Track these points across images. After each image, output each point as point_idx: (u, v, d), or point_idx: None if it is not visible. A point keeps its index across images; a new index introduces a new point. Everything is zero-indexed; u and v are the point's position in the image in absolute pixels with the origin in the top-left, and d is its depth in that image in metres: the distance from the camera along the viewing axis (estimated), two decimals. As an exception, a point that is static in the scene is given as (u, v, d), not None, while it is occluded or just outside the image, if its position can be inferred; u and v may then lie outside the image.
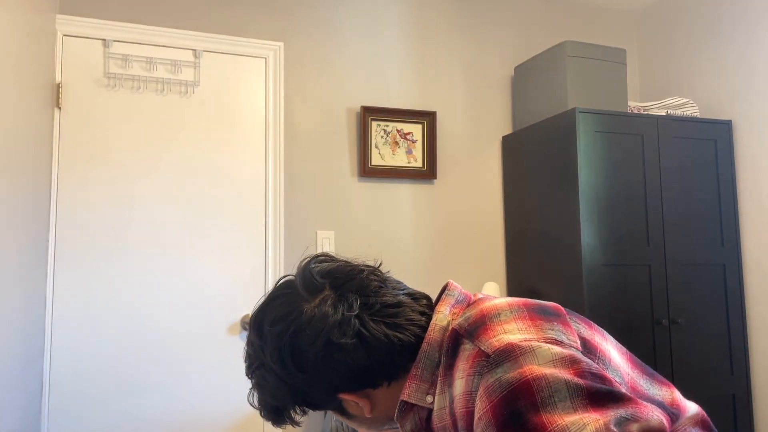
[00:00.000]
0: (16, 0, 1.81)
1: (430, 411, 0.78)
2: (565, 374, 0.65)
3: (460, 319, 0.77)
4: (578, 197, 2.58)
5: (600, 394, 0.64)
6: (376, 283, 0.83)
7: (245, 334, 2.62)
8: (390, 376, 0.81)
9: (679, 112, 2.92)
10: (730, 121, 2.92)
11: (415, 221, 2.93)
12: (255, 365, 0.84)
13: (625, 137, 2.69)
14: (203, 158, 2.62)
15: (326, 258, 0.87)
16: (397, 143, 2.90)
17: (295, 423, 0.86)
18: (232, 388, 2.58)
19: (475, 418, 0.67)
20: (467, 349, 0.73)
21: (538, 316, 0.74)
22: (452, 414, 0.72)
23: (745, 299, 2.85)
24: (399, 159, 2.90)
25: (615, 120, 2.69)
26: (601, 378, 0.67)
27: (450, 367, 0.75)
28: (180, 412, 2.50)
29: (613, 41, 3.47)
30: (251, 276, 2.65)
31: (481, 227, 3.06)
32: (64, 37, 2.48)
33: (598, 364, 0.71)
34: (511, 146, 3.07)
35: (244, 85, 2.72)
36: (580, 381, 0.65)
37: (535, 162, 2.87)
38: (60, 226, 2.40)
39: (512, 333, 0.71)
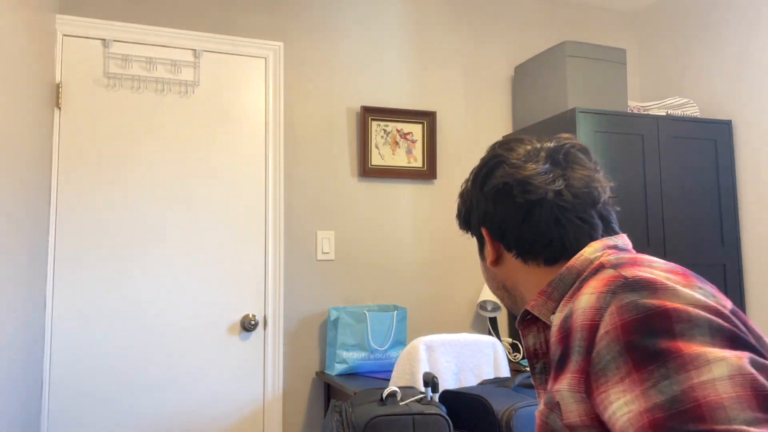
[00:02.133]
0: (17, 0, 1.80)
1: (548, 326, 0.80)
2: (708, 314, 0.62)
3: (611, 257, 0.76)
4: (578, 197, 2.58)
5: (742, 340, 0.61)
6: (589, 189, 0.84)
7: (245, 334, 2.62)
8: (521, 250, 0.85)
9: (679, 112, 2.92)
10: (730, 121, 2.92)
11: (415, 221, 2.93)
12: (466, 180, 0.96)
13: (625, 137, 2.69)
14: (203, 158, 2.62)
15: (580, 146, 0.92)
16: (397, 143, 2.90)
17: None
18: (232, 387, 2.58)
19: (600, 332, 0.64)
20: (605, 272, 0.72)
21: (693, 276, 0.70)
22: (566, 326, 0.70)
23: (745, 299, 2.85)
24: (399, 159, 2.90)
25: (615, 120, 2.69)
26: (746, 331, 0.63)
27: (579, 289, 0.74)
28: (180, 412, 2.50)
29: (613, 41, 3.47)
30: (251, 276, 2.65)
31: (481, 227, 3.06)
32: (64, 37, 2.48)
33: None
34: (511, 146, 3.06)
35: (244, 85, 2.72)
36: (724, 323, 0.61)
37: (535, 162, 2.87)
38: (60, 225, 2.40)
39: (649, 273, 0.68)
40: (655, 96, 3.38)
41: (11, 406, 1.86)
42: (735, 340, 0.61)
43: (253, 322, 2.60)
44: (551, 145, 0.87)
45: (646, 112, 2.88)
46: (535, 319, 0.83)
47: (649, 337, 0.60)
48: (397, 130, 2.91)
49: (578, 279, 0.78)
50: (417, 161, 2.93)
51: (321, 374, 2.64)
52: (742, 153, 2.90)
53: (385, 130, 2.89)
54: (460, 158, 3.05)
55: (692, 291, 0.65)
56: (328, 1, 2.90)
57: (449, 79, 3.08)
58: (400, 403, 1.77)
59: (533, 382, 0.84)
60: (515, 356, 2.87)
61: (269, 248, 2.67)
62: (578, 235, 0.82)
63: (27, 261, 2.04)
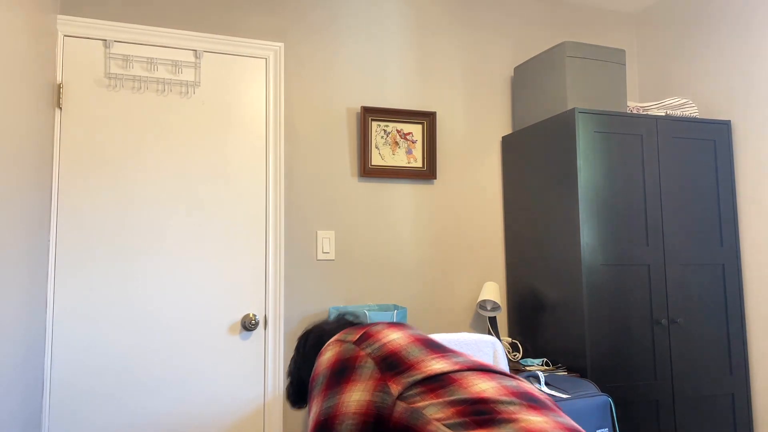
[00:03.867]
0: (17, 0, 1.81)
1: None
2: None
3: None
4: (578, 197, 2.59)
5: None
6: None
7: (246, 333, 2.63)
8: None
9: (678, 113, 2.92)
10: (729, 121, 2.93)
11: (415, 221, 2.94)
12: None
13: (625, 137, 2.70)
14: (203, 158, 2.63)
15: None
16: (397, 143, 2.91)
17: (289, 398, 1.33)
18: (232, 387, 2.58)
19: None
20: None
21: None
22: None
23: (744, 299, 2.86)
24: (399, 159, 2.91)
25: (614, 120, 2.69)
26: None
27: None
28: (180, 412, 2.50)
29: (613, 42, 3.48)
30: (251, 276, 2.65)
31: (481, 227, 3.07)
32: (65, 38, 2.48)
33: None
34: (510, 146, 3.07)
35: (244, 85, 2.72)
36: None
37: (534, 162, 2.88)
38: (61, 226, 2.41)
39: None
40: (654, 96, 3.39)
41: (12, 405, 1.86)
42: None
43: (253, 322, 2.61)
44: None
45: (645, 113, 2.89)
46: None
47: None
48: (397, 130, 2.92)
49: None
50: (417, 161, 2.94)
51: (321, 374, 2.65)
52: (741, 153, 2.90)
53: (385, 131, 2.90)
54: (460, 158, 3.06)
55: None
56: (329, 2, 2.91)
57: (449, 80, 3.09)
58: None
59: None
60: (515, 355, 2.88)
61: (269, 248, 2.68)
62: None
63: (28, 261, 2.04)
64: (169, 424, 2.48)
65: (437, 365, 0.88)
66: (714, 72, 3.04)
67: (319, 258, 2.76)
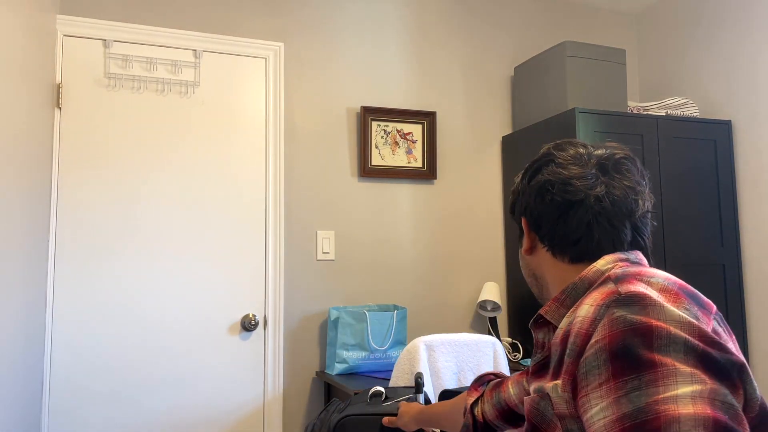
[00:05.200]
0: (17, 0, 1.81)
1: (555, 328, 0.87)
2: (686, 335, 0.68)
3: (618, 270, 0.82)
4: (578, 197, 2.58)
5: (712, 362, 0.66)
6: (628, 200, 0.90)
7: (246, 333, 2.62)
8: (552, 244, 0.92)
9: (678, 113, 2.92)
10: (730, 121, 2.92)
11: (415, 221, 2.94)
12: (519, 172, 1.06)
13: (625, 137, 2.70)
14: (203, 158, 2.62)
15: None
16: (397, 143, 2.91)
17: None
18: (232, 387, 2.58)
19: (591, 341, 0.72)
20: (606, 286, 0.78)
21: (684, 295, 0.75)
22: (567, 331, 0.78)
23: (744, 299, 2.85)
24: (399, 159, 2.91)
25: (614, 120, 2.69)
26: (720, 348, 0.68)
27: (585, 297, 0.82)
28: (180, 412, 2.50)
29: (613, 41, 3.48)
30: (251, 276, 2.65)
31: (481, 227, 3.06)
32: (65, 37, 2.48)
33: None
34: (510, 146, 3.07)
35: (244, 85, 2.72)
36: (699, 344, 0.67)
37: (534, 162, 2.87)
38: (60, 225, 2.41)
39: (643, 287, 0.75)
40: (654, 96, 3.39)
41: (12, 405, 1.86)
42: (707, 362, 0.66)
43: (253, 322, 2.60)
44: (603, 152, 0.92)
45: (645, 113, 2.89)
46: (546, 322, 0.90)
47: (629, 349, 0.67)
48: (397, 130, 2.92)
49: (588, 289, 0.84)
50: (417, 161, 2.94)
51: (321, 374, 2.65)
52: (741, 153, 2.90)
53: (385, 130, 2.89)
54: (460, 158, 3.06)
55: (678, 310, 0.71)
56: (329, 2, 2.90)
57: (449, 79, 3.09)
58: (384, 404, 1.77)
59: (530, 364, 0.90)
60: (515, 356, 2.87)
61: (269, 248, 2.68)
62: (603, 240, 0.88)
63: (27, 261, 2.04)
64: (168, 424, 2.48)
65: None
66: (715, 72, 3.04)
67: (319, 258, 2.76)
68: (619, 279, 0.79)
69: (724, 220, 2.84)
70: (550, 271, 0.93)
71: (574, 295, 0.85)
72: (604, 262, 0.85)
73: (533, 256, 0.97)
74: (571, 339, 0.75)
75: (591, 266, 0.85)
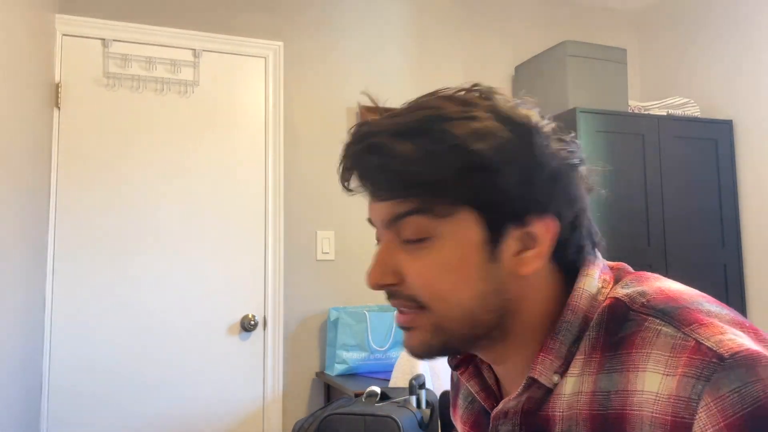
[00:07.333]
0: (16, 0, 1.80)
1: (548, 392, 0.62)
2: None
3: (620, 289, 0.63)
4: (579, 197, 2.58)
5: None
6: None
7: (245, 334, 2.62)
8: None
9: (679, 112, 2.91)
10: (731, 120, 2.91)
11: (415, 221, 2.92)
12: None
13: (626, 137, 2.69)
14: (203, 158, 2.62)
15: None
16: (397, 143, 2.90)
17: None
18: (231, 388, 2.57)
19: None
20: (666, 334, 0.55)
21: (739, 318, 0.58)
22: (609, 410, 0.56)
23: (746, 300, 2.84)
24: (399, 159, 2.90)
25: (616, 120, 2.68)
26: None
27: (611, 347, 0.58)
28: (179, 413, 2.49)
29: (614, 41, 3.46)
30: (251, 276, 2.64)
31: (482, 227, 3.05)
32: (64, 37, 2.47)
33: None
34: (511, 146, 3.06)
35: (243, 84, 2.71)
36: None
37: (535, 162, 2.87)
38: (59, 225, 2.40)
39: (733, 334, 0.53)
40: (655, 96, 3.38)
41: (11, 406, 1.86)
42: None
43: (252, 323, 2.60)
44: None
45: (646, 112, 2.88)
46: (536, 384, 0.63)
47: None
48: (398, 130, 2.90)
49: (589, 326, 0.61)
50: (417, 161, 2.93)
51: (321, 374, 2.64)
52: (742, 153, 2.89)
53: (385, 130, 2.88)
54: (461, 158, 3.04)
55: None
56: (328, 1, 2.90)
57: (449, 79, 3.08)
58: (377, 404, 1.77)
59: None
60: (515, 356, 2.86)
61: (269, 248, 2.67)
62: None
63: (26, 261, 2.03)
64: (168, 425, 2.47)
65: None
66: (716, 71, 3.03)
67: (318, 258, 2.75)
68: (668, 314, 0.57)
69: (726, 220, 2.83)
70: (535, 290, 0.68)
71: (568, 338, 0.62)
72: (589, 281, 0.65)
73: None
74: (642, 428, 0.53)
75: (577, 290, 0.64)
